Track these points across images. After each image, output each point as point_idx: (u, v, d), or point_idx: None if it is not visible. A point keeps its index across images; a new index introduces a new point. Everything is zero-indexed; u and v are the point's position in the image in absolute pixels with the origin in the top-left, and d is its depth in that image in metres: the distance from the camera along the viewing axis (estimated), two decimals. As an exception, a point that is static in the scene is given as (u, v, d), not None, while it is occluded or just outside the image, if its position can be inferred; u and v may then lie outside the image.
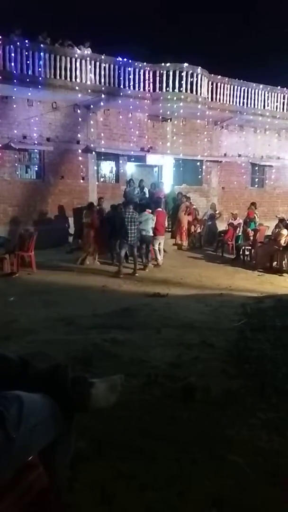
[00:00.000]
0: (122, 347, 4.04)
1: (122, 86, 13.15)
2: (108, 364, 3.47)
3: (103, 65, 12.89)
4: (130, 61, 13.37)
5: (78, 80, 12.52)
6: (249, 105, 15.49)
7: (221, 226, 14.01)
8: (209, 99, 14.57)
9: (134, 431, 2.45)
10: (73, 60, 12.48)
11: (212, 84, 14.67)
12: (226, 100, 15.05)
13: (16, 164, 12.83)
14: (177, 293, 7.58)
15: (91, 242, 10.56)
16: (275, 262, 10.61)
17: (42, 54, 12.03)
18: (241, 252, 11.86)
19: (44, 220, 13.11)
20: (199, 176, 16.16)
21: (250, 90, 15.53)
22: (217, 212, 14.91)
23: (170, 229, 13.95)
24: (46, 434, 1.43)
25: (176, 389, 3.00)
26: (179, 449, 2.29)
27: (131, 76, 13.28)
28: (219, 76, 14.87)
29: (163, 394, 2.94)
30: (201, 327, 4.93)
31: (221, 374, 3.35)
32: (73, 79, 12.45)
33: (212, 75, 14.60)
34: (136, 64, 13.42)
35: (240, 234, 12.69)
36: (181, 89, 13.56)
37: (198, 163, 15.97)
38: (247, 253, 11.82)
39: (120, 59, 13.25)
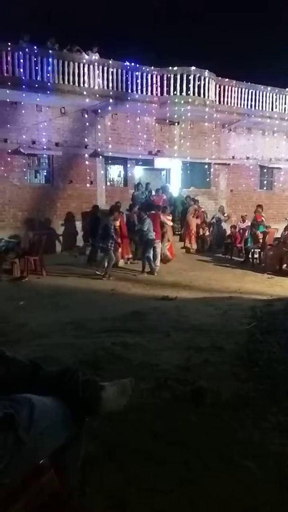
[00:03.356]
0: (131, 350, 4.04)
1: (129, 91, 13.21)
2: (117, 367, 3.47)
3: (110, 69, 12.96)
4: (137, 65, 13.43)
5: (86, 85, 12.61)
6: (257, 108, 15.43)
7: (229, 229, 13.95)
8: (217, 102, 14.57)
9: (145, 434, 2.44)
10: (81, 65, 12.57)
11: (219, 87, 14.66)
12: (234, 103, 15.03)
13: (25, 169, 12.94)
14: (186, 296, 7.56)
15: (118, 245, 10.57)
16: (285, 265, 10.53)
17: (50, 59, 12.14)
18: (250, 255, 11.80)
19: (53, 224, 13.19)
20: (207, 179, 16.14)
21: (258, 92, 15.48)
22: (225, 214, 14.86)
23: (178, 232, 13.94)
24: (57, 438, 1.43)
25: (186, 393, 2.98)
26: (189, 453, 2.28)
27: (139, 80, 13.33)
28: (227, 79, 14.86)
29: (173, 398, 2.93)
30: (210, 330, 4.91)
31: (231, 378, 3.33)
32: (81, 84, 12.54)
33: (220, 78, 14.60)
34: (143, 68, 13.47)
35: (248, 236, 12.62)
36: (189, 92, 13.57)
37: (206, 166, 15.95)
38: (256, 255, 11.76)
39: (128, 63, 13.32)
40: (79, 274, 9.65)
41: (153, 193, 13.45)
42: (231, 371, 3.46)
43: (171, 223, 11.74)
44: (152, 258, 10.03)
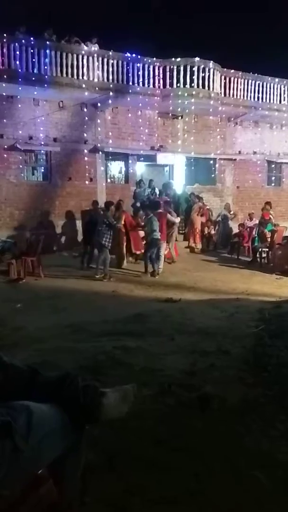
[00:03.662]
0: (133, 355, 4.04)
1: (130, 83, 13.23)
2: (119, 373, 3.48)
3: (111, 61, 12.98)
4: (138, 56, 13.45)
5: (85, 77, 12.63)
6: (264, 100, 15.42)
7: (236, 227, 13.94)
8: (222, 95, 14.56)
9: (148, 442, 2.44)
10: (80, 57, 12.59)
11: (225, 78, 14.66)
12: (240, 95, 15.02)
13: (22, 166, 12.98)
14: (190, 298, 7.55)
15: (122, 245, 10.62)
16: (294, 265, 10.51)
17: (48, 51, 12.17)
18: (257, 255, 11.78)
19: (51, 223, 13.21)
20: (213, 175, 16.14)
21: (265, 84, 15.46)
22: (231, 212, 14.85)
23: (183, 231, 13.93)
24: (56, 446, 1.44)
25: (191, 399, 2.99)
26: (195, 461, 2.28)
27: (140, 72, 13.34)
28: (232, 70, 14.85)
29: (177, 404, 2.93)
30: (216, 334, 4.91)
31: (238, 383, 3.33)
32: (80, 77, 12.56)
33: (225, 69, 14.59)
34: (145, 59, 13.49)
35: (256, 235, 12.60)
36: (193, 84, 13.57)
37: (211, 162, 15.95)
38: (264, 255, 11.74)
39: (129, 55, 13.33)
40: (79, 276, 9.66)
41: (157, 190, 13.45)
42: (238, 376, 3.46)
43: (179, 219, 11.76)
44: (155, 259, 9.98)
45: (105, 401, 1.55)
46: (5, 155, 12.58)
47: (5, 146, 12.51)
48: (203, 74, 13.73)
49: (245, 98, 15.12)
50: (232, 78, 14.85)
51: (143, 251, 11.00)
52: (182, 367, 3.69)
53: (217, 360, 3.88)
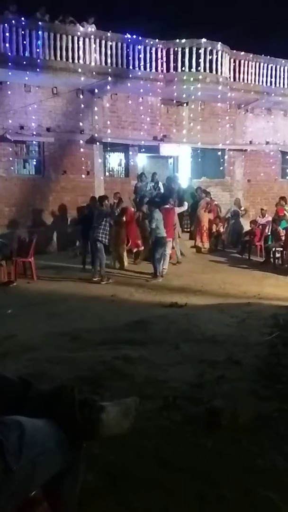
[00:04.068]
0: (135, 365, 4.04)
1: (131, 67, 13.27)
2: (119, 385, 3.48)
3: (109, 43, 13.02)
4: (140, 38, 13.49)
5: (81, 61, 12.68)
6: (277, 85, 15.45)
7: (247, 224, 13.94)
8: (231, 79, 14.59)
9: (151, 461, 2.44)
10: (76, 39, 12.65)
11: (234, 61, 14.69)
12: (251, 80, 15.04)
13: (12, 158, 13.03)
14: (197, 303, 7.56)
15: (123, 243, 10.71)
16: (311, 266, 10.50)
17: (40, 33, 12.23)
18: (271, 255, 11.78)
19: (45, 221, 13.24)
20: (221, 168, 16.15)
21: (279, 67, 15.49)
22: (242, 208, 14.86)
23: (188, 230, 13.93)
24: (51, 466, 1.44)
25: (198, 414, 2.98)
26: (203, 482, 2.28)
27: (142, 55, 13.39)
28: (243, 53, 14.88)
29: (183, 419, 2.93)
30: (226, 342, 4.91)
31: (251, 396, 3.32)
32: (76, 61, 12.61)
33: (235, 51, 14.62)
34: (146, 41, 13.53)
35: (269, 233, 12.60)
36: (199, 68, 13.60)
37: (220, 153, 15.96)
38: (278, 255, 11.73)
39: (129, 36, 13.38)
40: (75, 278, 9.67)
41: (160, 184, 13.47)
42: (251, 389, 3.45)
43: (186, 205, 11.98)
44: (160, 260, 9.98)
45: (104, 416, 1.55)
46: (-7, 147, 12.62)
47: (-6, 137, 12.55)
48: (211, 57, 13.76)
49: (257, 82, 15.15)
50: (242, 61, 14.87)
51: (141, 248, 11.06)
52: (189, 379, 3.69)
53: (227, 371, 3.87)
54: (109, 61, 13.03)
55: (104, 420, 1.55)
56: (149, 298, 8.16)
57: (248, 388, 3.48)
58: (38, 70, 12.17)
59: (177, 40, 13.74)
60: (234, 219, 14.32)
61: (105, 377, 3.66)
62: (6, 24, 11.91)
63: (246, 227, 13.77)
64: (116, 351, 4.55)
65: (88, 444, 1.67)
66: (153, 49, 13.60)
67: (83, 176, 13.87)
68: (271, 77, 15.36)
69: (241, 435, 2.74)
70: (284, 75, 15.60)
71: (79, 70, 12.67)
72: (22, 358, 4.42)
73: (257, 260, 12.15)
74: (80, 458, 1.58)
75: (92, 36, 12.92)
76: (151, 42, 13.61)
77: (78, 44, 12.67)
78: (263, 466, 2.45)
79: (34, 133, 13.08)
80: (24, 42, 12.08)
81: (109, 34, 13.11)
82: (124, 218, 10.83)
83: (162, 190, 13.30)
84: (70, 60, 12.56)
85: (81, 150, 13.75)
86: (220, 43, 13.98)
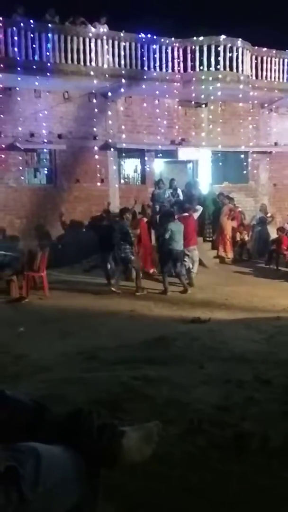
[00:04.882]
0: (156, 386, 4.03)
1: (146, 68, 13.40)
2: (140, 407, 3.47)
3: (122, 44, 13.18)
4: (154, 37, 13.62)
5: (93, 64, 12.85)
6: (303, 82, 15.38)
7: (274, 232, 13.83)
8: (253, 77, 14.62)
9: (175, 491, 2.43)
10: (87, 40, 12.84)
11: (256, 59, 14.72)
12: (275, 77, 15.05)
13: (23, 168, 13.22)
14: (222, 318, 7.54)
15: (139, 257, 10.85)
16: None
17: (50, 35, 12.44)
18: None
19: (57, 233, 13.36)
20: (244, 172, 16.13)
21: (304, 63, 15.43)
22: (268, 215, 14.76)
23: (210, 239, 13.90)
24: (69, 496, 1.44)
25: (225, 438, 2.96)
26: (232, 514, 2.26)
27: (157, 55, 13.51)
28: (265, 49, 14.91)
29: (209, 445, 2.91)
30: (254, 360, 4.86)
31: (282, 418, 3.29)
32: (88, 63, 12.79)
33: (256, 47, 14.67)
34: (162, 40, 13.65)
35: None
36: (218, 67, 13.66)
37: (243, 156, 15.95)
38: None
39: (143, 35, 13.52)
40: (90, 292, 9.72)
41: (179, 191, 13.49)
42: (282, 410, 3.41)
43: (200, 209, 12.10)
44: (180, 272, 10.12)
45: (124, 442, 1.55)
46: (2, 156, 12.84)
47: (3, 145, 12.79)
48: (231, 54, 13.81)
49: (281, 80, 15.14)
50: (264, 58, 14.89)
51: (153, 270, 11.13)
52: (214, 401, 3.66)
53: (256, 392, 3.83)
54: (122, 62, 13.18)
55: (125, 446, 1.54)
56: (169, 313, 8.14)
57: (279, 409, 3.45)
58: (48, 74, 12.36)
59: (194, 38, 13.84)
60: (259, 227, 14.23)
61: (124, 399, 3.65)
62: (14, 28, 12.13)
63: (273, 234, 13.65)
64: (135, 371, 4.54)
65: (108, 472, 1.67)
66: (169, 48, 13.72)
67: (98, 184, 13.99)
68: (296, 74, 15.33)
69: (272, 461, 2.71)
70: (310, 71, 15.56)
71: (91, 73, 12.84)
72: (35, 379, 4.45)
73: (286, 270, 12.02)
74: (99, 488, 1.58)
75: (105, 37, 13.09)
76: (167, 41, 13.73)
77: (90, 45, 12.84)
78: (298, 496, 2.41)
79: (45, 140, 13.27)
80: (34, 46, 12.30)
81: (122, 34, 13.28)
82: (138, 231, 10.88)
83: (181, 197, 13.32)
84: (82, 63, 12.74)
85: (95, 157, 13.89)
86: (240, 39, 14.03)
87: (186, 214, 10.98)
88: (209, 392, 3.90)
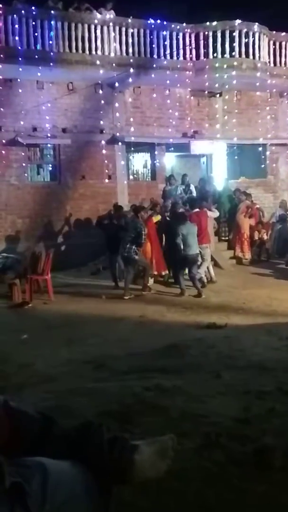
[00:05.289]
0: (170, 397, 4.03)
1: (155, 56, 13.41)
2: (153, 420, 3.47)
3: (130, 31, 13.20)
4: (164, 22, 13.65)
5: (99, 52, 12.88)
6: None
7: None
8: (271, 64, 14.59)
9: (191, 509, 2.42)
10: (92, 27, 12.87)
11: (274, 44, 14.69)
12: (295, 64, 14.97)
13: (25, 164, 13.29)
14: (239, 323, 7.51)
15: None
16: None
17: (53, 23, 12.49)
18: None
19: (62, 233, 13.41)
20: (262, 166, 16.09)
21: None
22: (289, 212, 14.69)
23: (226, 238, 13.86)
24: (78, 514, 1.44)
25: (245, 453, 2.94)
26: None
27: (167, 42, 13.51)
28: (284, 33, 14.89)
29: (228, 460, 2.90)
30: (275, 369, 4.84)
31: (306, 432, 3.27)
32: (93, 52, 12.82)
33: (274, 32, 14.64)
34: (172, 26, 13.66)
35: None
36: (233, 53, 13.64)
37: (260, 149, 15.90)
38: None
39: (152, 21, 13.54)
40: (97, 296, 9.74)
41: (192, 187, 13.47)
42: (306, 423, 3.39)
43: (217, 213, 12.15)
44: (194, 276, 10.10)
45: (137, 457, 1.55)
46: (3, 152, 12.91)
47: (4, 141, 12.86)
48: (246, 40, 13.78)
49: (301, 67, 15.06)
50: (283, 43, 14.85)
51: (165, 272, 11.10)
52: (233, 413, 3.65)
53: (278, 403, 3.82)
54: (130, 50, 13.20)
55: (138, 461, 1.54)
56: (182, 318, 8.12)
57: (303, 422, 3.43)
58: (51, 64, 12.40)
59: (207, 23, 13.82)
60: (279, 225, 14.15)
61: (136, 411, 3.65)
62: (14, 15, 12.17)
63: (294, 233, 13.61)
64: (147, 380, 4.54)
65: (119, 489, 1.67)
66: (180, 34, 13.70)
67: (106, 181, 14.01)
68: None
69: (296, 478, 2.69)
70: None
71: (97, 62, 12.86)
72: (40, 389, 4.47)
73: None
74: (110, 506, 1.58)
75: (111, 24, 13.11)
76: (178, 27, 13.72)
77: (95, 33, 12.86)
78: None
79: (49, 135, 13.32)
80: (36, 34, 12.34)
81: (129, 21, 13.29)
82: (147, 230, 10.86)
83: (194, 194, 13.30)
84: (87, 52, 12.76)
85: (102, 152, 13.92)
86: (257, 24, 13.99)
87: (197, 210, 10.99)
88: (227, 403, 3.88)
